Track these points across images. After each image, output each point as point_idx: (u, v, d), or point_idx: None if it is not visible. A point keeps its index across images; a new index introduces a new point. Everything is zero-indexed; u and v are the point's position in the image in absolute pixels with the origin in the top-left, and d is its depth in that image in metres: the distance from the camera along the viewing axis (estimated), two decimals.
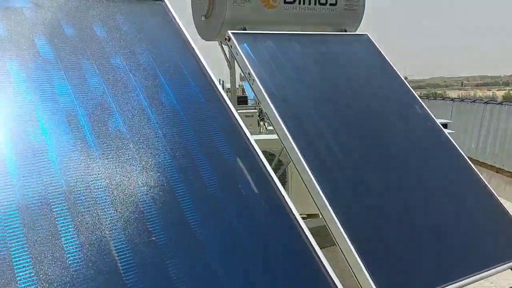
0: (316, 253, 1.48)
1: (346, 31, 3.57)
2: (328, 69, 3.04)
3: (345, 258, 2.13)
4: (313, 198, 2.33)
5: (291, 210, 1.55)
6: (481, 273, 2.31)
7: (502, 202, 4.90)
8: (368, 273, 2.05)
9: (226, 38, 2.98)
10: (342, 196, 2.33)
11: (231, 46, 2.94)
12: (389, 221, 2.32)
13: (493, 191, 2.79)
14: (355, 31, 3.67)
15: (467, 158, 2.88)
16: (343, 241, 2.15)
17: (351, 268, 2.10)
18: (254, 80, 2.74)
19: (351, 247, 2.11)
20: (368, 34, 3.55)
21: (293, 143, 2.47)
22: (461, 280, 2.27)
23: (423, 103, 3.14)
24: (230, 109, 1.82)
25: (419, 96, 3.30)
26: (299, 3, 3.26)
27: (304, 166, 2.39)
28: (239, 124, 1.79)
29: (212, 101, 1.85)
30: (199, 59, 1.96)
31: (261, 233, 1.47)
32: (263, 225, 1.50)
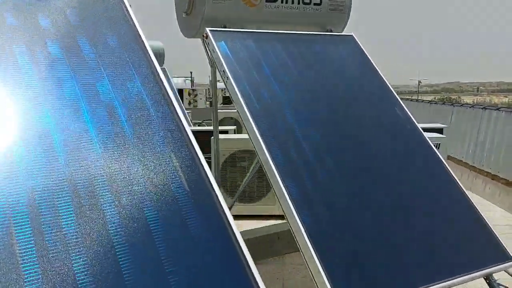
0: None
1: (332, 32, 3.51)
2: (307, 70, 2.98)
3: (307, 266, 2.08)
4: (279, 202, 2.28)
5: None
6: (450, 280, 2.24)
7: (498, 209, 4.80)
8: (328, 281, 1.99)
9: (203, 36, 2.94)
10: (310, 203, 2.27)
11: (208, 44, 2.90)
12: (356, 228, 2.26)
13: (471, 200, 2.71)
14: (341, 32, 3.61)
15: (443, 160, 2.81)
16: (306, 249, 2.09)
17: (313, 276, 2.05)
18: (228, 78, 2.69)
19: (314, 254, 2.05)
20: (353, 35, 3.49)
21: (262, 144, 2.42)
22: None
23: (403, 105, 3.07)
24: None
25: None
26: (282, 2, 3.21)
27: (272, 168, 2.34)
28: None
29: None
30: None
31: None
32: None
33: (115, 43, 1.69)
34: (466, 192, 2.72)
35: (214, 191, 1.51)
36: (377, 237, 2.26)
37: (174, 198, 1.47)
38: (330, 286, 1.97)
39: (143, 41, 1.77)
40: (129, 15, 1.81)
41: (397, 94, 3.17)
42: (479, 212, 2.64)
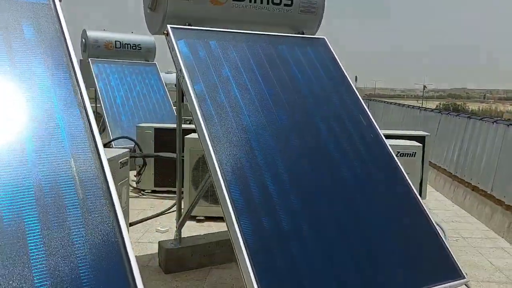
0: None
1: (304, 33, 3.42)
2: (268, 71, 2.90)
3: (241, 273, 2.00)
4: (221, 206, 2.20)
5: None
6: None
7: (474, 220, 4.72)
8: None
9: (164, 33, 2.86)
10: (253, 209, 2.19)
11: (168, 41, 2.81)
12: (299, 238, 2.18)
13: (425, 208, 2.63)
14: (314, 34, 3.52)
15: (402, 170, 2.73)
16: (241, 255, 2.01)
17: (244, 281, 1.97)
18: (183, 77, 2.61)
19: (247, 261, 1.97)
20: (325, 38, 3.40)
21: (210, 146, 2.34)
22: None
23: (368, 113, 2.99)
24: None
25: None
26: (250, 1, 3.13)
27: (217, 171, 2.26)
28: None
29: None
30: None
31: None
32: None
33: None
34: (427, 209, 2.64)
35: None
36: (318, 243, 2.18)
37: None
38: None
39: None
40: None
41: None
42: (434, 227, 2.57)
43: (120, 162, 3.46)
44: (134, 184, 5.52)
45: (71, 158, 1.49)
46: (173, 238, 3.45)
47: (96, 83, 7.75)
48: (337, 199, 2.42)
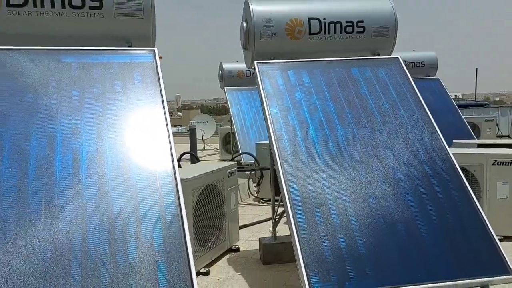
0: None
1: (379, 55, 3.83)
2: (338, 92, 3.40)
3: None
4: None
5: None
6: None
7: None
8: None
9: (252, 68, 3.58)
10: (312, 226, 2.73)
11: (255, 75, 3.52)
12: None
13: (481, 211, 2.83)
14: (390, 54, 3.90)
15: (461, 174, 2.96)
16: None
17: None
18: (263, 103, 3.28)
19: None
20: (399, 57, 3.75)
21: (278, 160, 2.95)
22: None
23: (433, 123, 3.26)
24: None
25: None
26: (324, 33, 3.68)
27: (281, 177, 2.86)
28: None
29: None
30: None
31: None
32: None
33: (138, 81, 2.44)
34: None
35: None
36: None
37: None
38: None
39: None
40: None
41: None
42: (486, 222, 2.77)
43: (228, 172, 4.27)
44: (255, 194, 6.34)
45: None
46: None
47: (230, 108, 8.93)
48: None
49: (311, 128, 3.16)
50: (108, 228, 1.93)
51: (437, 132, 3.24)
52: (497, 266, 2.62)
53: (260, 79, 3.44)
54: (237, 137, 8.35)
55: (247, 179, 6.58)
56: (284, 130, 3.13)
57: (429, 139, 3.18)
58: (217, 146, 11.70)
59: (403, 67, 3.68)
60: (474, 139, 7.33)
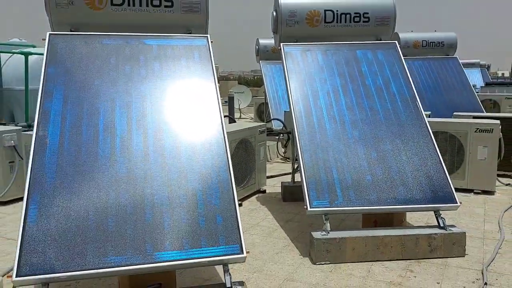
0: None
1: (381, 40, 4.81)
2: (344, 68, 4.43)
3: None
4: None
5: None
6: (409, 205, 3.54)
7: None
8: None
9: (278, 48, 4.65)
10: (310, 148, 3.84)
11: (281, 54, 4.58)
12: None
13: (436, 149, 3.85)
14: (390, 39, 4.85)
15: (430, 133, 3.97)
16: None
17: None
18: (285, 77, 4.36)
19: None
20: (396, 42, 4.71)
21: (294, 120, 4.05)
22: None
23: (414, 92, 4.25)
24: None
25: None
26: (337, 22, 4.68)
27: (296, 138, 3.96)
28: None
29: None
30: None
31: None
32: None
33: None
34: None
35: None
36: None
37: None
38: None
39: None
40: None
41: None
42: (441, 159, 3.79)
43: (259, 130, 5.40)
44: (283, 154, 7.47)
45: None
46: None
47: (264, 80, 10.00)
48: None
49: (321, 96, 4.23)
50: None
51: (417, 102, 4.24)
52: (447, 197, 3.65)
53: (284, 57, 4.51)
54: (269, 107, 9.45)
55: (277, 142, 7.70)
56: (300, 98, 4.21)
57: (411, 107, 4.19)
58: (252, 115, 12.84)
59: (398, 50, 4.65)
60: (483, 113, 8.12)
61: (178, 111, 3.23)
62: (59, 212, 2.60)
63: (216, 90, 3.42)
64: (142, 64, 3.46)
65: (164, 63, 3.50)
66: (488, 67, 25.25)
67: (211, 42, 3.73)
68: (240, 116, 15.13)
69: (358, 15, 4.70)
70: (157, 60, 3.50)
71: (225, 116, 8.12)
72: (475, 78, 17.66)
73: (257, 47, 10.83)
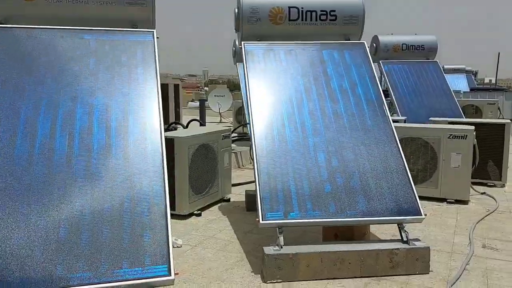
0: None
1: (349, 39, 4.53)
2: (309, 69, 4.14)
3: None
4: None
5: None
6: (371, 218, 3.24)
7: None
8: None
9: (240, 47, 4.34)
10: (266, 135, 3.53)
11: (242, 53, 4.28)
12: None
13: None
14: (359, 39, 4.58)
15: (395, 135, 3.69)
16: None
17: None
18: (245, 73, 4.05)
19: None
20: (365, 43, 4.44)
21: (252, 115, 3.74)
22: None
23: (381, 92, 3.97)
24: None
25: None
26: (302, 20, 4.39)
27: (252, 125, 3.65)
28: None
29: None
30: None
31: None
32: None
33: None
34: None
35: None
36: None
37: None
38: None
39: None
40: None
41: None
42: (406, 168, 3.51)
43: (222, 135, 5.09)
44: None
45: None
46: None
47: (240, 82, 9.69)
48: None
49: (282, 100, 3.92)
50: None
51: (385, 106, 3.96)
52: (412, 209, 3.37)
53: (245, 56, 4.21)
54: (245, 110, 9.14)
55: (249, 147, 7.39)
56: (259, 101, 3.90)
57: (377, 111, 3.91)
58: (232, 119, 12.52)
59: (366, 51, 4.38)
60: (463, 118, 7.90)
61: (112, 111, 2.90)
62: None
63: (158, 89, 3.11)
64: (77, 60, 3.13)
65: (101, 59, 3.17)
66: (475, 73, 25.38)
67: (157, 37, 3.41)
68: (221, 120, 14.79)
69: (324, 13, 4.42)
70: (94, 55, 3.18)
71: (193, 120, 7.83)
72: (460, 83, 17.60)
73: (233, 48, 10.52)
